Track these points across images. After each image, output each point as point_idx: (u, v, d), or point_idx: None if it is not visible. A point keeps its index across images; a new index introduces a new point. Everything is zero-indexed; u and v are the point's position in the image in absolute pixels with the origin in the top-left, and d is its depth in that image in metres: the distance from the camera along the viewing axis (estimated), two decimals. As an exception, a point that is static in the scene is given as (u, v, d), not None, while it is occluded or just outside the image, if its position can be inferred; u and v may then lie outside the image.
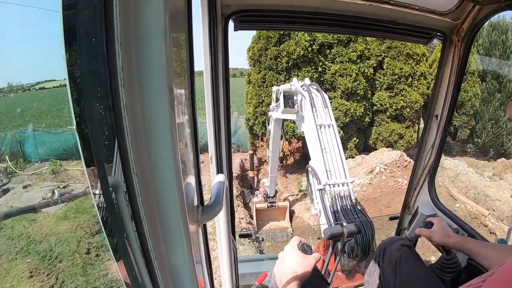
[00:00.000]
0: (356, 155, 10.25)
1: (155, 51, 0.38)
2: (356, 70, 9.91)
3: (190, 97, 0.71)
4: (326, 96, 3.91)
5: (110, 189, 0.41)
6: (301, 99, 3.99)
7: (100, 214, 0.43)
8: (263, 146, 10.29)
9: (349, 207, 3.11)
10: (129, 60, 0.36)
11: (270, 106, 5.81)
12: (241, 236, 3.04)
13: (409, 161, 7.94)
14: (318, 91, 4.02)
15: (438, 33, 1.81)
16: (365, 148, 11.10)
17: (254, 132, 10.45)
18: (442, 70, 1.93)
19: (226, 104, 1.54)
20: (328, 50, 9.99)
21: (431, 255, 4.67)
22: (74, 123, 0.38)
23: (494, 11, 1.56)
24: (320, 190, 3.13)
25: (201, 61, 1.25)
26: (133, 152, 0.39)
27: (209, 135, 1.41)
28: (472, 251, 1.37)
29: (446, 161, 9.54)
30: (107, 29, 0.34)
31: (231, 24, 1.51)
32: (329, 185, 3.13)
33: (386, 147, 10.24)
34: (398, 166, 7.86)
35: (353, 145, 10.54)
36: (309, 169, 3.39)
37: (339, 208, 3.09)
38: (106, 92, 0.36)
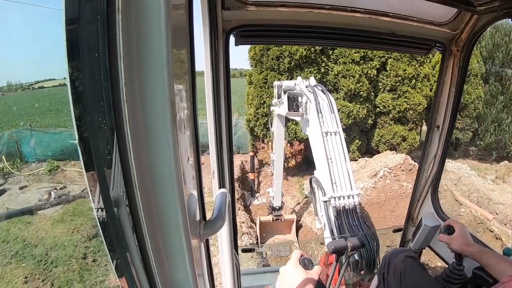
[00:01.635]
0: (359, 157, 10.15)
1: (158, 66, 0.38)
2: (359, 71, 9.79)
3: (191, 112, 0.72)
4: (332, 99, 3.72)
5: (113, 203, 0.41)
6: (306, 102, 3.83)
7: (102, 228, 0.43)
8: (264, 148, 10.18)
9: (354, 220, 2.98)
10: (132, 75, 0.37)
11: (273, 101, 5.65)
12: (244, 250, 2.99)
13: (414, 165, 7.81)
14: (324, 93, 3.85)
15: (437, 44, 1.84)
16: (368, 151, 11.01)
17: (255, 133, 10.33)
18: (442, 80, 1.95)
19: (228, 118, 1.55)
20: (331, 51, 9.89)
21: (436, 266, 4.53)
22: (77, 137, 0.38)
23: (492, 20, 1.58)
24: (325, 202, 3.00)
25: (203, 75, 1.29)
26: (135, 167, 0.40)
27: (211, 150, 1.42)
28: (487, 263, 1.36)
29: (449, 164, 9.41)
30: (110, 44, 0.35)
31: (232, 39, 1.55)
32: (334, 198, 2.98)
33: (389, 150, 10.13)
34: (403, 170, 7.73)
35: (356, 148, 10.44)
36: (313, 179, 3.23)
37: (344, 221, 2.95)
38: (109, 107, 0.37)
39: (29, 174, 9.82)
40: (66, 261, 5.68)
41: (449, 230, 1.64)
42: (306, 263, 1.17)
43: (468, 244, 1.50)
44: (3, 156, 10.17)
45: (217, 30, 1.38)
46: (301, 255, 1.20)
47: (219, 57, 1.42)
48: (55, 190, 8.40)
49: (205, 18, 1.15)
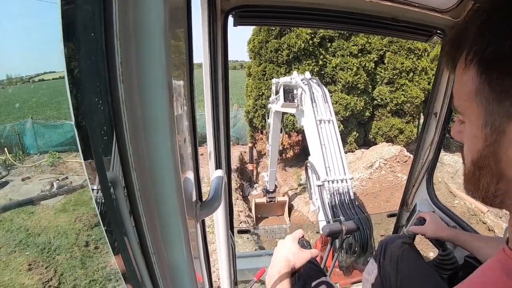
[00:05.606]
0: (356, 149, 10.22)
1: (155, 46, 0.38)
2: (357, 64, 9.83)
3: (189, 92, 0.71)
4: (326, 90, 3.86)
5: (109, 184, 0.41)
6: (301, 93, 3.95)
7: (98, 210, 0.43)
8: (262, 139, 10.26)
9: (347, 203, 3.08)
10: (128, 55, 0.36)
11: (270, 98, 5.78)
12: (240, 232, 3.04)
13: (409, 156, 7.91)
14: (318, 86, 3.97)
15: (438, 31, 1.79)
16: (365, 143, 11.07)
17: (253, 125, 10.41)
18: (442, 68, 1.91)
19: (225, 100, 1.52)
20: (329, 44, 9.90)
21: (429, 252, 4.67)
22: (73, 118, 0.37)
23: None
24: (319, 186, 3.11)
25: (201, 56, 1.24)
26: (132, 147, 0.40)
27: (208, 131, 1.38)
28: (465, 244, 1.39)
29: (446, 157, 9.49)
30: (106, 24, 0.34)
31: (230, 20, 1.49)
32: (328, 181, 3.10)
33: (386, 142, 10.21)
34: (398, 161, 7.83)
35: (353, 139, 10.51)
36: (308, 164, 3.36)
37: (337, 204, 3.06)
38: (105, 88, 0.36)
39: (31, 166, 9.93)
40: (68, 249, 5.82)
41: (421, 222, 1.67)
42: (304, 244, 1.20)
43: (442, 230, 1.53)
44: (5, 148, 10.27)
45: (216, 10, 1.32)
46: (302, 236, 1.22)
47: (217, 38, 1.38)
48: (57, 181, 8.51)
49: None
